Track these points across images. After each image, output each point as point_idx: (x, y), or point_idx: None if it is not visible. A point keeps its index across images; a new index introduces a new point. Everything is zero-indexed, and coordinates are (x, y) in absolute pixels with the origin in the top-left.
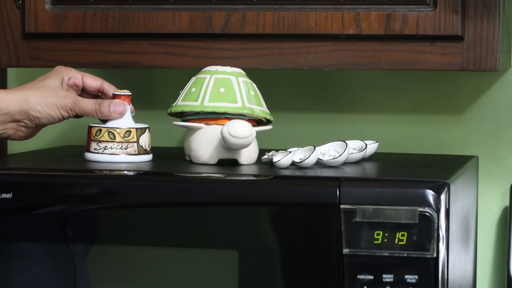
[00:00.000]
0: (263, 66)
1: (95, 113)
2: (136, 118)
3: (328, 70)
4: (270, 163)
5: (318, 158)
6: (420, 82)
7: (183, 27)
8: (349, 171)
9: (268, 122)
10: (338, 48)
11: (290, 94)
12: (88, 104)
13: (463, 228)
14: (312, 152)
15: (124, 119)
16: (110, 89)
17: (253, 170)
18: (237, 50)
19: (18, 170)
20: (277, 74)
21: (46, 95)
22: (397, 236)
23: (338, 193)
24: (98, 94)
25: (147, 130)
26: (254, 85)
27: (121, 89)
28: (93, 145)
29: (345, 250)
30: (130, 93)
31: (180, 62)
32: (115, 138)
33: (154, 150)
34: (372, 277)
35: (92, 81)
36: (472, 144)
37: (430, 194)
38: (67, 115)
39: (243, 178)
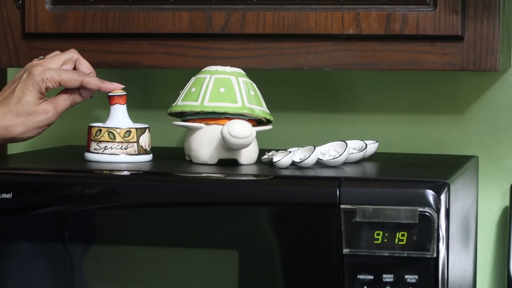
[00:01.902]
0: (263, 66)
1: (72, 105)
2: (136, 118)
3: (328, 70)
4: (270, 163)
5: (318, 158)
6: (420, 82)
7: (183, 27)
8: (349, 171)
9: (268, 122)
10: (338, 48)
11: (290, 94)
12: (64, 102)
13: (463, 228)
14: (312, 152)
15: (124, 119)
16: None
17: (253, 170)
18: (237, 50)
19: (18, 170)
20: (277, 74)
21: (27, 122)
22: (397, 236)
23: (338, 193)
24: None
25: (147, 130)
26: (254, 85)
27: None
28: (93, 145)
29: (345, 250)
30: (125, 93)
31: (180, 62)
32: (115, 138)
33: (154, 150)
34: (372, 277)
35: (69, 78)
36: (472, 144)
37: (430, 194)
38: (50, 125)
39: (243, 178)
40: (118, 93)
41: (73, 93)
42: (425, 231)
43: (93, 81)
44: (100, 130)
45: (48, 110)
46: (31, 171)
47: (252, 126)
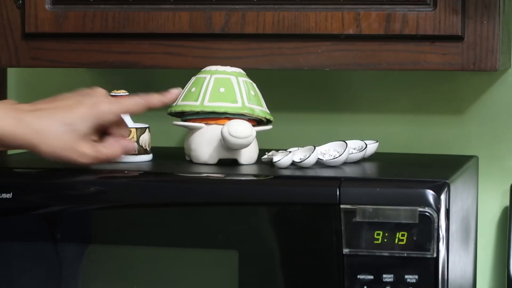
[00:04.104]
0: (263, 66)
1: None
2: (136, 118)
3: (328, 70)
4: (270, 163)
5: (318, 158)
6: (420, 82)
7: (183, 27)
8: (349, 171)
9: (268, 122)
10: (338, 48)
11: (290, 94)
12: (111, 154)
13: (463, 228)
14: (312, 152)
15: (125, 120)
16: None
17: (253, 170)
18: (237, 50)
19: (18, 170)
20: (277, 74)
21: (56, 150)
22: (397, 236)
23: (338, 193)
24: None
25: (147, 130)
26: (254, 85)
27: (119, 89)
28: None
29: (345, 250)
30: (128, 93)
31: (180, 62)
32: None
33: (154, 150)
34: (372, 277)
35: (133, 102)
36: (472, 144)
37: (430, 194)
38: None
39: (243, 178)
40: (121, 94)
41: (128, 147)
42: (425, 231)
43: (157, 99)
44: None
45: (85, 155)
46: (31, 171)
47: (252, 126)
